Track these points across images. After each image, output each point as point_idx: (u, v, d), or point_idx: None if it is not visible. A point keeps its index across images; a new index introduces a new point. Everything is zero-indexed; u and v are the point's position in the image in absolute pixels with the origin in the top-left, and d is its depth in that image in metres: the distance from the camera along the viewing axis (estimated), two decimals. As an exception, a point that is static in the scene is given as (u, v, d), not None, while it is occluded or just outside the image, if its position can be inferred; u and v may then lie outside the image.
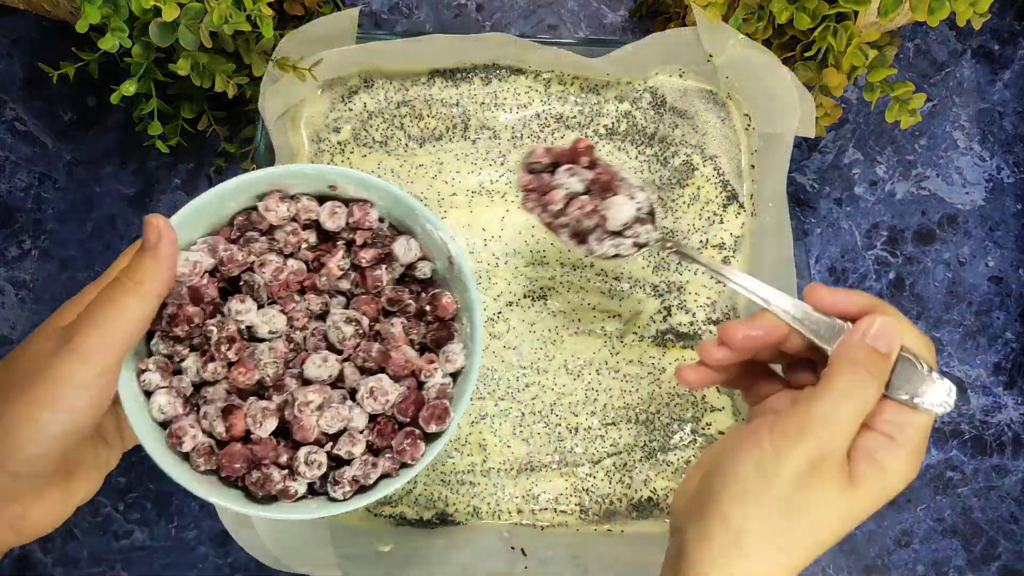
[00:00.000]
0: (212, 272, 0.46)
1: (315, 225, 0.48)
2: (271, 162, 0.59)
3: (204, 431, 0.45)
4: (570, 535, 0.60)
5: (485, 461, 0.61)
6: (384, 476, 0.46)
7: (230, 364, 0.45)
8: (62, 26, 0.66)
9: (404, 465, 0.47)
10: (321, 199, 0.48)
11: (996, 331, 0.68)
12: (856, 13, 0.55)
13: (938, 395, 0.39)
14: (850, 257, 0.68)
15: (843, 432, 0.38)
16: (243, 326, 0.46)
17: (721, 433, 0.62)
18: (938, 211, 0.69)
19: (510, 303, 0.62)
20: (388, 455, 0.46)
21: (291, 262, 0.47)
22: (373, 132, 0.63)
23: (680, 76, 0.64)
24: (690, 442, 0.62)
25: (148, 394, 0.44)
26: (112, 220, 0.67)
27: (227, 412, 0.44)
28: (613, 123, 0.64)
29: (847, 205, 0.69)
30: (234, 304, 0.45)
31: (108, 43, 0.52)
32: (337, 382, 0.46)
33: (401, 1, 0.69)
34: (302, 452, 0.44)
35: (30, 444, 0.37)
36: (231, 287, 0.47)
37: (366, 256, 0.47)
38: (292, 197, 0.47)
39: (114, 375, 0.40)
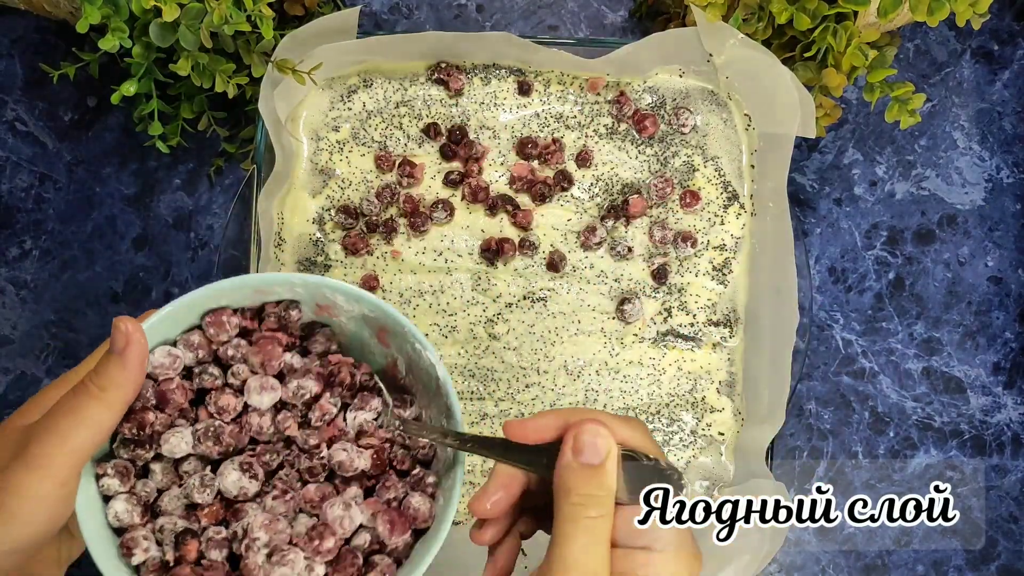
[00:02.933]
0: (188, 374, 0.44)
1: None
2: (271, 162, 0.59)
3: (158, 543, 0.43)
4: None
5: (485, 461, 0.61)
6: None
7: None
8: (62, 26, 0.66)
9: None
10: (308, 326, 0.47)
11: (996, 331, 0.68)
12: (856, 13, 0.55)
13: (666, 482, 0.36)
14: (850, 257, 0.68)
15: (589, 571, 0.35)
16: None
17: (721, 434, 0.62)
18: (938, 211, 0.69)
19: (509, 304, 0.62)
20: None
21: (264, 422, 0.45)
22: (372, 131, 0.63)
23: (680, 76, 0.64)
24: (690, 443, 0.62)
25: (107, 498, 0.42)
26: (112, 220, 0.67)
27: (181, 541, 0.42)
28: (613, 123, 0.64)
29: (847, 205, 0.69)
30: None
31: (108, 43, 0.52)
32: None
33: (401, 1, 0.69)
34: None
35: None
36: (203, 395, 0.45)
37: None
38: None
39: (74, 485, 0.37)
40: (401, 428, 0.45)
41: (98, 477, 0.42)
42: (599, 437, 0.36)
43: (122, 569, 0.41)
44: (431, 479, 0.46)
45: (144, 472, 0.44)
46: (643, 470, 0.36)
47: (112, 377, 0.37)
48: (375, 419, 0.47)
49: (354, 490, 0.45)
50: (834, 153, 0.69)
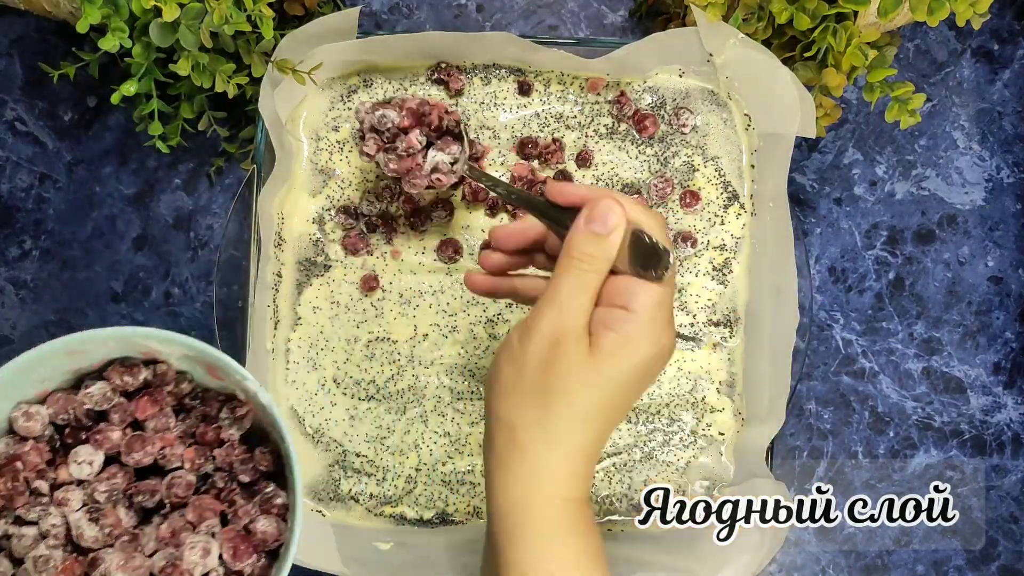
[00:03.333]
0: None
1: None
2: (271, 162, 0.59)
3: None
4: (570, 535, 0.60)
5: (470, 472, 0.61)
6: None
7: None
8: (62, 26, 0.66)
9: None
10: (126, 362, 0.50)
11: (996, 331, 0.68)
12: (856, 13, 0.55)
13: (659, 262, 0.41)
14: (850, 257, 0.68)
15: (571, 308, 0.41)
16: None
17: (721, 434, 0.62)
18: (938, 211, 0.69)
19: (510, 304, 0.62)
20: None
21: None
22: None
23: (680, 76, 0.64)
24: (690, 443, 0.62)
25: None
26: (112, 220, 0.67)
27: None
28: (613, 123, 0.64)
29: (847, 205, 0.69)
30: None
31: (108, 43, 0.52)
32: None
33: (401, 1, 0.69)
34: None
35: None
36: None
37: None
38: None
39: None
40: (469, 172, 0.54)
41: None
42: (611, 212, 0.41)
43: None
44: (279, 500, 0.48)
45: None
46: (643, 246, 0.41)
47: None
48: (452, 163, 0.54)
49: (211, 521, 0.48)
50: (834, 153, 0.69)
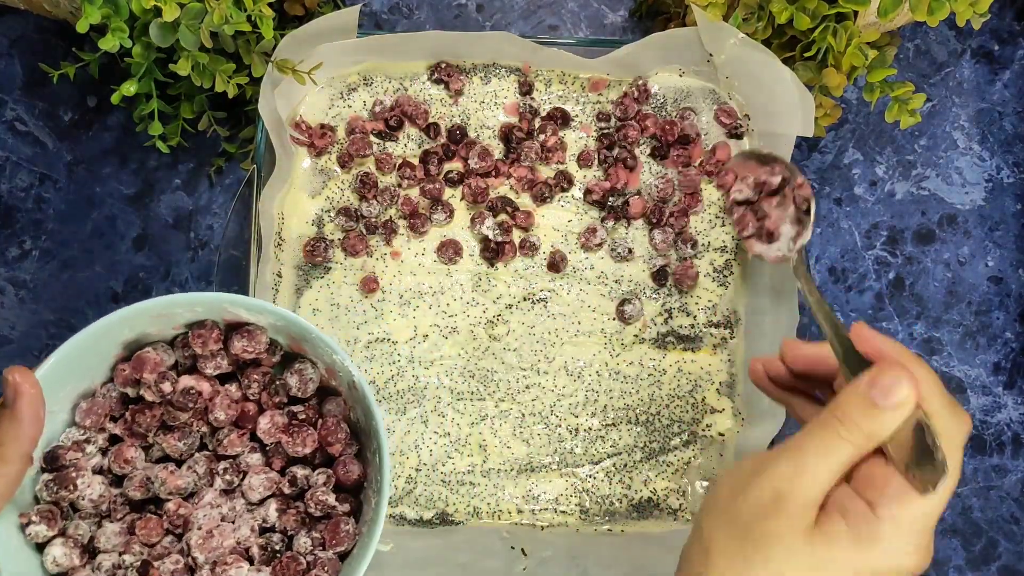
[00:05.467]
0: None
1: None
2: (271, 162, 0.59)
3: None
4: (570, 535, 0.60)
5: (485, 461, 0.61)
6: None
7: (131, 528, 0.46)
8: (62, 26, 0.66)
9: None
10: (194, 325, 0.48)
11: (996, 331, 0.68)
12: (856, 13, 0.55)
13: (932, 470, 0.35)
14: (850, 257, 0.68)
15: (810, 472, 0.36)
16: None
17: (721, 435, 0.62)
18: (938, 211, 0.69)
19: (510, 305, 0.62)
20: None
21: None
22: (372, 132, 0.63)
23: (680, 76, 0.64)
24: (690, 443, 0.62)
25: (39, 546, 0.43)
26: (112, 220, 0.67)
27: (143, 572, 0.43)
28: (613, 123, 0.64)
29: (847, 205, 0.69)
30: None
31: (108, 43, 0.52)
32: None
33: (401, 1, 0.69)
34: None
35: None
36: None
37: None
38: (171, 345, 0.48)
39: None
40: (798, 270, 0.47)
41: (24, 526, 0.42)
42: (902, 384, 0.35)
43: None
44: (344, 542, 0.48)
45: (68, 515, 0.45)
46: (922, 443, 0.35)
47: (5, 432, 0.38)
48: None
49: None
50: (834, 153, 0.69)
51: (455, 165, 0.63)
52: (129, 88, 0.55)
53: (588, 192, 0.63)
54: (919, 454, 0.35)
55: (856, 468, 0.36)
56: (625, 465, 0.61)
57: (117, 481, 0.47)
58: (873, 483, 0.36)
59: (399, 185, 0.62)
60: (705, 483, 0.62)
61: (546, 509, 0.61)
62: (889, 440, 0.36)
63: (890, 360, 0.37)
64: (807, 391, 0.45)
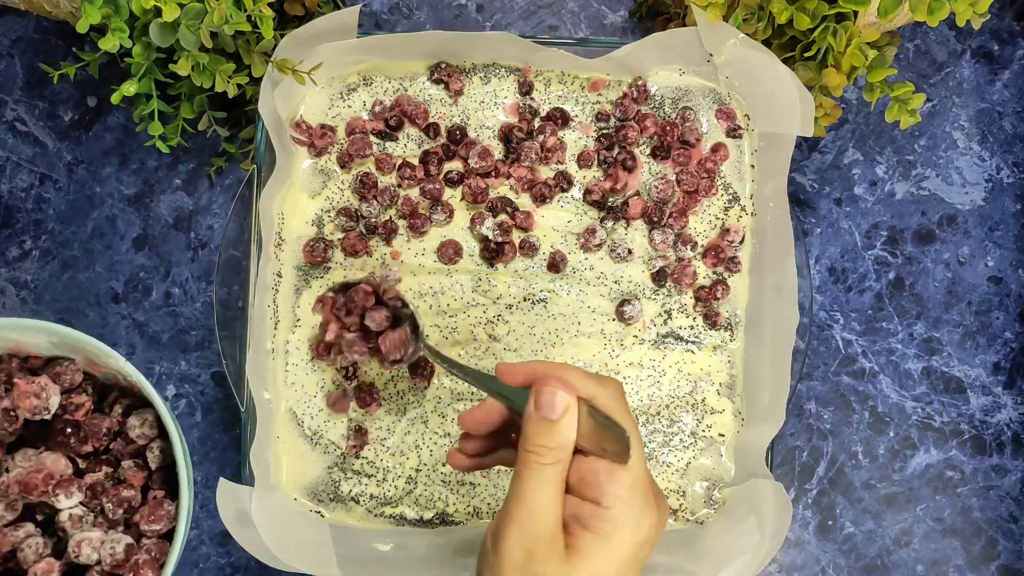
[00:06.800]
0: None
1: None
2: (271, 162, 0.59)
3: None
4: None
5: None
6: None
7: None
8: (62, 26, 0.66)
9: None
10: None
11: (995, 331, 0.68)
12: (856, 13, 0.55)
13: (617, 443, 0.38)
14: (850, 257, 0.68)
15: (538, 511, 0.38)
16: None
17: (721, 435, 0.62)
18: (938, 211, 0.69)
19: (509, 306, 0.62)
20: None
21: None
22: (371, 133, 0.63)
23: (680, 76, 0.64)
24: (690, 444, 0.62)
25: None
26: (112, 220, 0.67)
27: None
28: (613, 123, 0.64)
29: (847, 205, 0.69)
30: None
31: (108, 43, 0.52)
32: None
33: (401, 1, 0.69)
34: None
35: None
36: None
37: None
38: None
39: None
40: (428, 354, 0.52)
41: None
42: (557, 396, 0.39)
43: None
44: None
45: None
46: (601, 425, 0.39)
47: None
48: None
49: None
50: (834, 153, 0.69)
51: (455, 165, 0.63)
52: (129, 88, 0.55)
53: (588, 192, 0.63)
54: (602, 432, 0.39)
55: (568, 477, 0.40)
56: (625, 465, 0.61)
57: None
58: (588, 482, 0.39)
59: (399, 185, 0.62)
60: (705, 483, 0.62)
61: (546, 509, 0.61)
62: (579, 439, 0.39)
63: (539, 377, 0.40)
64: (501, 446, 0.46)
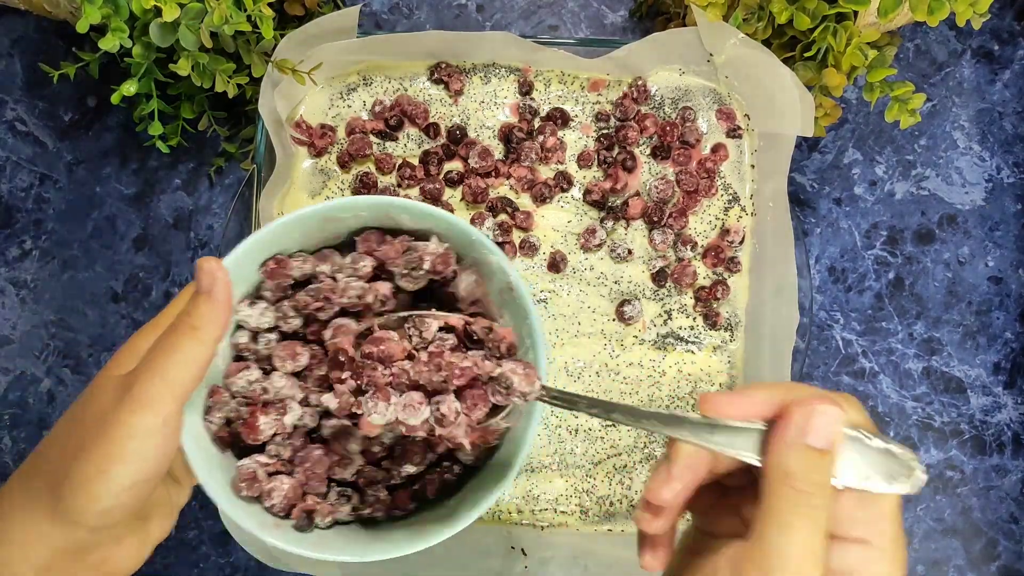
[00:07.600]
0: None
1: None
2: (271, 162, 0.59)
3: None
4: (570, 535, 0.61)
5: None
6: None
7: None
8: (62, 26, 0.66)
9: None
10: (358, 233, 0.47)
11: (996, 331, 0.68)
12: (856, 13, 0.55)
13: (896, 466, 0.32)
14: (850, 257, 0.68)
15: (807, 566, 0.30)
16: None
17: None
18: (938, 211, 0.69)
19: (510, 304, 0.62)
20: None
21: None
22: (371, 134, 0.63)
23: (680, 76, 0.64)
24: (690, 442, 0.62)
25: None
26: (112, 220, 0.67)
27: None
28: (613, 123, 0.64)
29: (847, 205, 0.69)
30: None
31: (108, 43, 0.52)
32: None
33: (401, 1, 0.69)
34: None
35: (104, 498, 0.36)
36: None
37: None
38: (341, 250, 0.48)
39: (177, 423, 0.38)
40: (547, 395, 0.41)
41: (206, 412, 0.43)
42: (827, 417, 0.31)
43: (234, 500, 0.43)
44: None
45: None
46: (870, 453, 0.31)
47: (203, 315, 0.38)
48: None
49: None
50: (834, 153, 0.69)
51: (455, 165, 0.63)
52: (129, 88, 0.55)
53: (588, 192, 0.63)
54: (846, 461, 0.32)
55: None
56: (625, 465, 0.61)
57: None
58: (847, 517, 0.33)
59: (399, 185, 0.62)
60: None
61: (546, 509, 0.61)
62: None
63: (789, 400, 0.33)
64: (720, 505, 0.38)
